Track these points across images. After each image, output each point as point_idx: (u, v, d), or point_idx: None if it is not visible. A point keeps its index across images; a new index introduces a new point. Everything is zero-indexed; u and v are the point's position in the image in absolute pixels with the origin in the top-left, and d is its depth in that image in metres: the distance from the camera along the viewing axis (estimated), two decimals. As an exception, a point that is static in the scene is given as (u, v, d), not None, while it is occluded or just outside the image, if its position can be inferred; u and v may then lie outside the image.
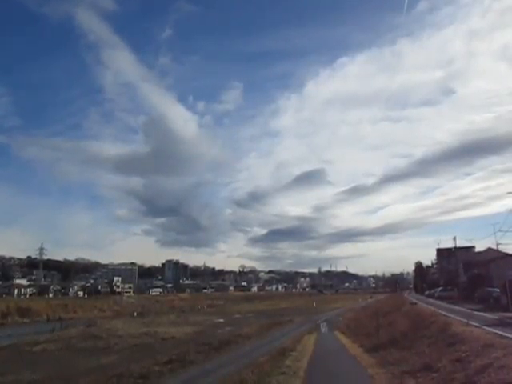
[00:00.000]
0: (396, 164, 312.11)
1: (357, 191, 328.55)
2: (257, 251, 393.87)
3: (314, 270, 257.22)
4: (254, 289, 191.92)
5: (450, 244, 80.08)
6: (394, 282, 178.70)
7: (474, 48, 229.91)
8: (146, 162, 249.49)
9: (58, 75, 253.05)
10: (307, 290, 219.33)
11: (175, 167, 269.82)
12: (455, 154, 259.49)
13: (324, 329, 37.04)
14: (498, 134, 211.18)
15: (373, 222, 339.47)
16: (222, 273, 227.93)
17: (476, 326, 19.06)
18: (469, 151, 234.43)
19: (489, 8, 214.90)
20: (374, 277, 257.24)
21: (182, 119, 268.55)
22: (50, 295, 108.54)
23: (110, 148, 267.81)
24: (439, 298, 59.06)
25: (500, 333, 16.22)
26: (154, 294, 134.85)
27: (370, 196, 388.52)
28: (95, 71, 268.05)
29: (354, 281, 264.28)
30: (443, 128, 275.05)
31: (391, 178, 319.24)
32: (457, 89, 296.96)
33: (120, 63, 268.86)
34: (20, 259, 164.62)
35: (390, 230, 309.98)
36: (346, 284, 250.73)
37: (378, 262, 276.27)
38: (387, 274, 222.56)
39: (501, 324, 20.12)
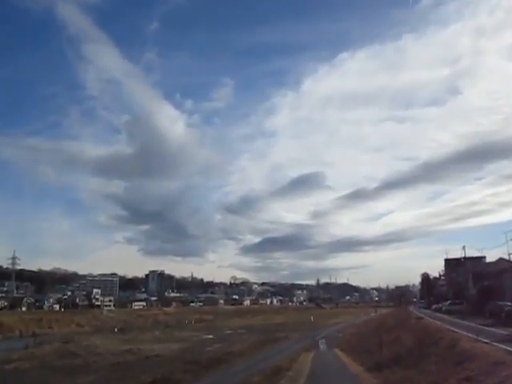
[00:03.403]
0: (400, 167, 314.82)
1: (358, 196, 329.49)
2: (249, 261, 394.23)
3: (312, 282, 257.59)
4: (247, 302, 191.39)
5: (458, 254, 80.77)
6: (398, 295, 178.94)
7: (482, 46, 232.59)
8: (129, 164, 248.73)
9: (36, 70, 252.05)
10: (304, 303, 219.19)
11: (161, 170, 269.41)
12: (463, 157, 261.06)
13: (322, 346, 37.12)
14: (508, 136, 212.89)
15: (375, 229, 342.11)
16: (211, 285, 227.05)
17: (486, 343, 19.16)
18: (477, 154, 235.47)
19: (497, 5, 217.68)
20: (377, 289, 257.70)
21: (168, 118, 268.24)
22: (23, 309, 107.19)
23: (91, 149, 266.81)
24: (447, 312, 59.24)
25: (512, 350, 16.35)
26: (136, 307, 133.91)
27: (372, 202, 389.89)
28: (76, 66, 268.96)
29: (356, 294, 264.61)
30: (450, 129, 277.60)
31: (395, 183, 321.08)
32: (463, 88, 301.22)
33: (103, 58, 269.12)
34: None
35: (394, 239, 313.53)
36: (347, 297, 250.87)
37: (381, 274, 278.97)
38: (391, 287, 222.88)
39: (513, 340, 20.26)
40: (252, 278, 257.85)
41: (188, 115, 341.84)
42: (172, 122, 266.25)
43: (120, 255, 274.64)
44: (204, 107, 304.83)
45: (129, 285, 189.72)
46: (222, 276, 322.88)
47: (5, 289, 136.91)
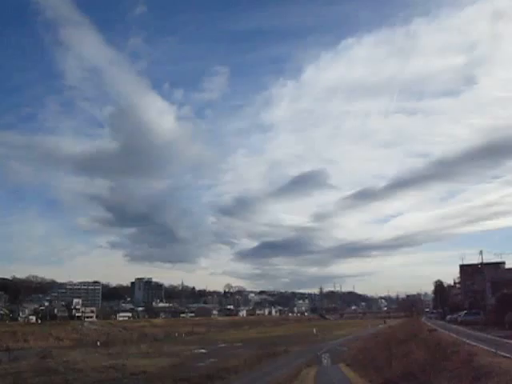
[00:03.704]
0: (411, 164, 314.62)
1: (364, 196, 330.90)
2: (245, 268, 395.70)
3: (315, 291, 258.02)
4: (243, 313, 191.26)
5: (475, 259, 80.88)
6: (409, 305, 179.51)
7: (500, 31, 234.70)
8: (113, 161, 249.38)
9: (9, 57, 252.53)
10: (306, 314, 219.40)
11: (148, 167, 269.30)
12: (480, 153, 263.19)
13: (326, 360, 37.10)
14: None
15: (384, 233, 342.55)
16: (203, 294, 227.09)
17: (506, 357, 19.22)
18: (495, 150, 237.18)
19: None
20: (386, 298, 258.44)
21: (156, 110, 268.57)
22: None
23: (71, 144, 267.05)
24: (463, 323, 59.45)
25: (534, 365, 16.35)
26: (121, 319, 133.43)
27: (380, 202, 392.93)
28: (54, 53, 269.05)
29: (362, 303, 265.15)
30: (465, 123, 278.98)
31: (405, 181, 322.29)
32: (480, 77, 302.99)
33: (83, 44, 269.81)
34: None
35: (405, 243, 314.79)
36: (353, 307, 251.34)
37: (390, 281, 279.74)
38: (401, 295, 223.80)
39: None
40: (248, 286, 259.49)
41: (178, 107, 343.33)
42: (160, 115, 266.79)
43: (103, 261, 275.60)
44: (195, 98, 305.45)
45: (113, 294, 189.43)
46: (216, 284, 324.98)
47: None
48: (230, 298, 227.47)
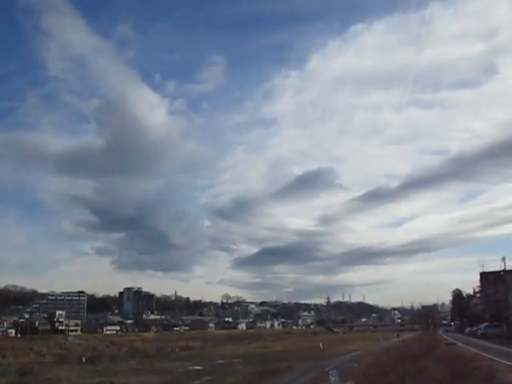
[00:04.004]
0: (426, 162, 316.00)
1: (375, 197, 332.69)
2: (245, 276, 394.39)
3: (321, 301, 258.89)
4: (242, 326, 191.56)
5: (497, 266, 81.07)
6: (425, 317, 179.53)
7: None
8: (99, 159, 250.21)
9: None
10: (312, 327, 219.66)
11: (138, 166, 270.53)
12: (502, 149, 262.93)
13: (334, 378, 37.03)
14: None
15: (397, 237, 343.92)
16: (198, 305, 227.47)
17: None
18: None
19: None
20: (400, 309, 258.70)
21: (146, 103, 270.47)
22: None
23: (54, 141, 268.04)
24: (483, 336, 59.64)
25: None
26: (108, 332, 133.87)
27: (392, 204, 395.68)
28: (35, 42, 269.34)
29: (374, 315, 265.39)
30: (486, 116, 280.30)
31: (420, 181, 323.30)
32: (501, 67, 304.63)
33: (67, 32, 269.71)
34: None
35: (420, 249, 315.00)
36: (363, 319, 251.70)
37: (404, 291, 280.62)
38: (416, 306, 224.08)
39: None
40: (248, 296, 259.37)
41: (170, 100, 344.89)
42: (151, 109, 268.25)
43: (88, 269, 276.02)
44: (189, 90, 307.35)
45: (99, 305, 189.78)
46: (212, 294, 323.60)
47: None
48: (228, 310, 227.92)
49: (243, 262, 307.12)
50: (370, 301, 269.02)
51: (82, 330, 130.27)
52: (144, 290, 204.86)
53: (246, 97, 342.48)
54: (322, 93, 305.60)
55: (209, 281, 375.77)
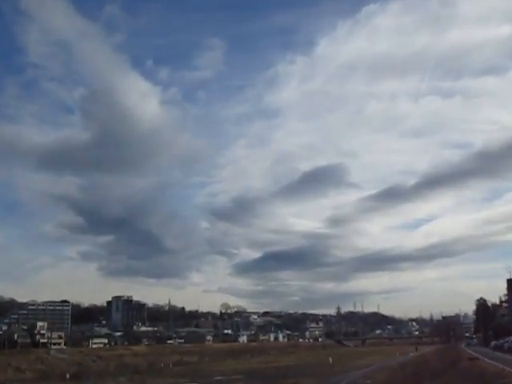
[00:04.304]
0: (447, 157, 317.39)
1: (391, 196, 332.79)
2: (246, 284, 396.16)
3: (331, 312, 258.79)
4: (243, 338, 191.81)
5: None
6: (446, 328, 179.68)
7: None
8: (85, 154, 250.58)
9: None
10: (320, 339, 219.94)
11: (127, 162, 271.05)
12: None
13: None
14: None
15: (415, 241, 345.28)
16: (195, 315, 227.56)
17: None
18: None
19: None
20: (418, 321, 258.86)
21: (137, 92, 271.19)
22: None
23: (34, 134, 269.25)
24: (510, 350, 59.38)
25: None
26: (95, 346, 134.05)
27: (409, 203, 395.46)
28: (13, 24, 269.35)
29: (389, 326, 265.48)
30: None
31: (440, 178, 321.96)
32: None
33: (49, 13, 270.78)
34: None
35: (440, 253, 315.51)
36: (378, 331, 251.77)
37: (422, 300, 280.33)
38: (436, 317, 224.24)
39: None
40: (250, 306, 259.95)
41: (163, 88, 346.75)
42: (142, 98, 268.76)
43: (73, 276, 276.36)
44: (184, 78, 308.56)
45: (85, 316, 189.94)
46: (210, 304, 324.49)
47: None
48: (228, 321, 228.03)
49: (244, 268, 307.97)
50: (384, 311, 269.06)
51: (65, 344, 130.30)
52: (134, 298, 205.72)
53: (248, 85, 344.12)
54: (332, 80, 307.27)
55: (206, 289, 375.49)
